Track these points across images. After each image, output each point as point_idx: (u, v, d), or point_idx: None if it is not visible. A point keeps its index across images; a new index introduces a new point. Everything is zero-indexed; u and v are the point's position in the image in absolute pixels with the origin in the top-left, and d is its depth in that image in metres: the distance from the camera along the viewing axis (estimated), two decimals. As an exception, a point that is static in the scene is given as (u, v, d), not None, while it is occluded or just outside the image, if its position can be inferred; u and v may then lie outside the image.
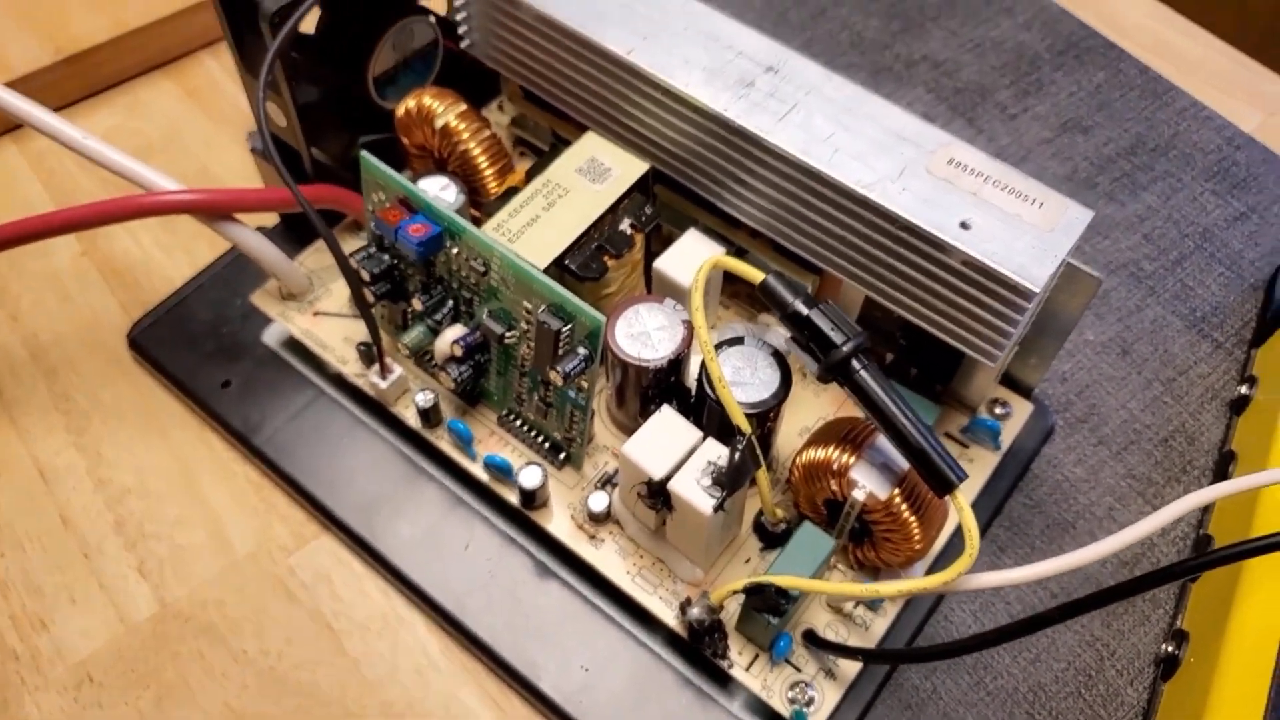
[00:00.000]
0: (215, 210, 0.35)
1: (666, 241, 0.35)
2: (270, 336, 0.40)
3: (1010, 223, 0.29)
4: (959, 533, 0.33)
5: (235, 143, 0.47)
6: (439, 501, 0.36)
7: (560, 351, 0.31)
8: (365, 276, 0.33)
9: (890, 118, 0.32)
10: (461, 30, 0.38)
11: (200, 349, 0.40)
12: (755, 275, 0.30)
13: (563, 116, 0.38)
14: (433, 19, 0.39)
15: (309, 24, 0.37)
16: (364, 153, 0.32)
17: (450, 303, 0.33)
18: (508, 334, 0.32)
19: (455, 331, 0.33)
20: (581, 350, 0.30)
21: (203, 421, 0.39)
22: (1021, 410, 0.37)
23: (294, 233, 0.41)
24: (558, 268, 0.33)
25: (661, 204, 0.38)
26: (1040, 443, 0.38)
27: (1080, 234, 0.29)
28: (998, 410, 0.36)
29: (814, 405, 0.36)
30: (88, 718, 0.33)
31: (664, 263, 0.34)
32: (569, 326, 0.30)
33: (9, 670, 0.34)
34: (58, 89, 0.47)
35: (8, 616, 0.35)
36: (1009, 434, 0.36)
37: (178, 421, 0.39)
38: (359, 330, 0.38)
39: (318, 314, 0.38)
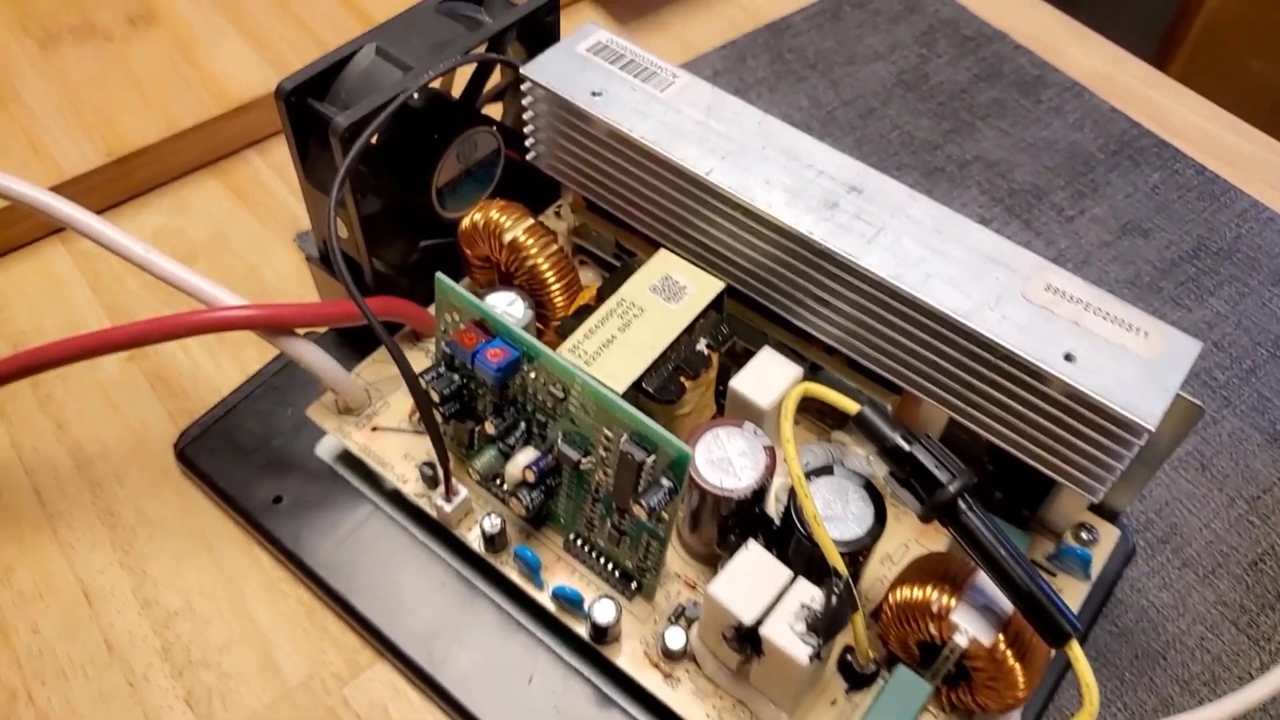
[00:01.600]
0: (278, 327, 0.34)
1: (735, 356, 0.34)
2: (324, 450, 0.38)
3: (1116, 354, 0.28)
4: (1053, 666, 0.31)
5: (283, 243, 0.46)
6: (501, 629, 0.34)
7: (642, 483, 0.29)
8: (435, 397, 0.32)
9: (979, 239, 0.31)
10: (529, 143, 0.37)
11: (251, 462, 0.39)
12: (849, 406, 0.29)
13: (627, 228, 0.37)
14: (495, 128, 0.38)
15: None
16: (440, 276, 0.32)
17: (523, 425, 0.32)
18: (584, 460, 0.31)
19: (527, 455, 0.32)
20: (665, 482, 0.29)
21: (252, 538, 0.38)
22: (1108, 536, 0.35)
23: (348, 341, 0.40)
24: (635, 390, 0.31)
25: (730, 316, 0.37)
26: (1123, 565, 0.37)
27: (1190, 366, 0.28)
28: (1084, 535, 0.35)
29: (895, 529, 0.35)
30: None
31: (741, 383, 0.33)
32: (652, 457, 0.29)
33: (50, 815, 0.32)
34: (104, 190, 0.46)
35: (49, 755, 0.33)
36: (1098, 559, 0.35)
37: (226, 538, 0.38)
38: (418, 446, 0.36)
39: (376, 429, 0.37)
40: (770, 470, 0.31)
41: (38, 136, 0.46)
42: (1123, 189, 0.50)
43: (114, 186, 0.46)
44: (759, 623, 0.28)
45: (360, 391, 0.37)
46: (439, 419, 0.33)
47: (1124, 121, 0.53)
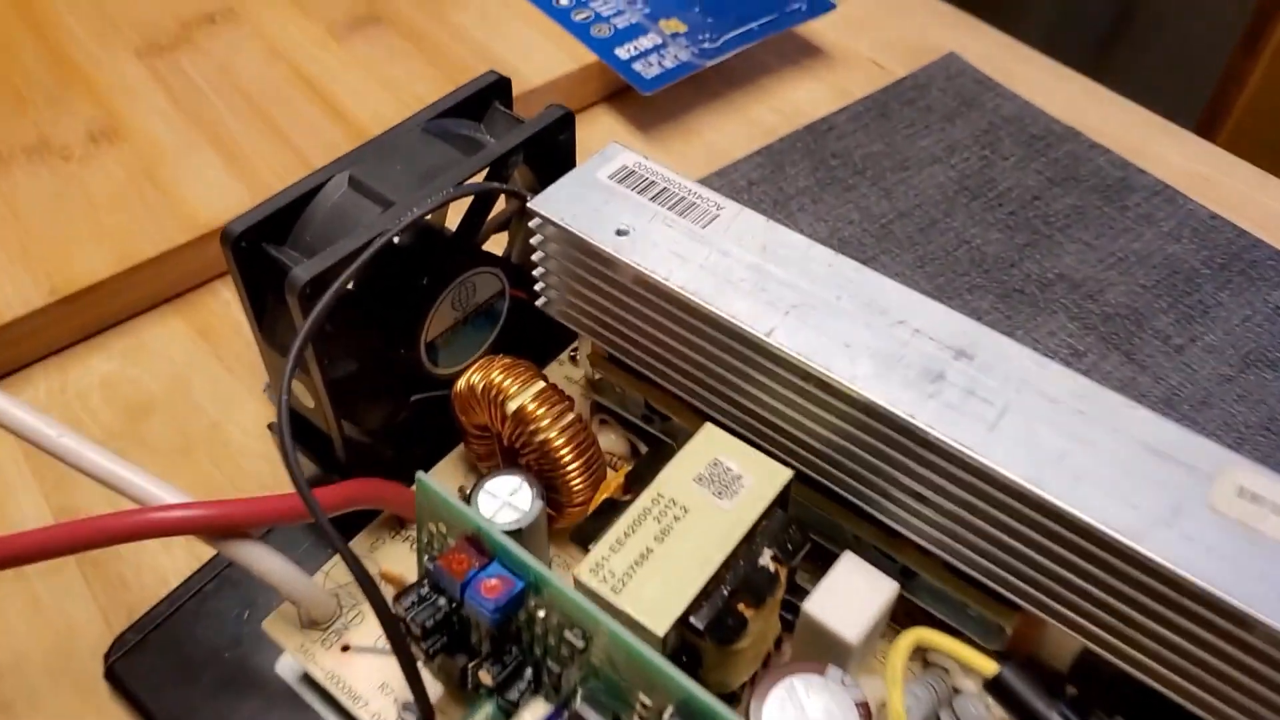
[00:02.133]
0: (220, 531, 0.27)
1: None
2: (287, 668, 0.31)
3: (1350, 593, 0.20)
4: None
5: (252, 394, 0.39)
6: None
7: (695, 768, 0.21)
8: (415, 629, 0.24)
9: (1135, 421, 0.23)
10: (538, 287, 0.30)
11: (197, 682, 0.31)
12: (985, 666, 0.21)
13: (660, 387, 0.30)
14: (499, 268, 0.32)
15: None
16: (421, 477, 0.24)
17: (529, 671, 0.24)
18: (614, 726, 0.23)
19: (534, 713, 0.24)
20: (726, 771, 0.21)
21: (193, 785, 0.30)
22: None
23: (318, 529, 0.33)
24: (680, 626, 0.24)
25: (793, 502, 0.29)
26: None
27: None
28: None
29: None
30: None
31: (819, 607, 0.25)
32: (709, 738, 0.21)
33: None
34: (47, 333, 0.40)
35: None
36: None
37: (161, 784, 0.30)
38: (380, 674, 0.29)
39: (348, 649, 0.29)
40: (865, 737, 0.23)
41: (-30, 274, 0.40)
42: (1238, 311, 0.43)
43: (59, 328, 0.40)
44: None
45: (327, 601, 0.29)
46: (420, 656, 0.25)
47: (1229, 230, 0.46)
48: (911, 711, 0.26)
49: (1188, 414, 0.39)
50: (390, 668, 0.29)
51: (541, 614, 0.23)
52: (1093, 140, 0.51)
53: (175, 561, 0.35)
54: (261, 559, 0.28)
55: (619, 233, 0.27)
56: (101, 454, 0.27)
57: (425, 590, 0.25)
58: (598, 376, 0.33)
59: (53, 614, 0.34)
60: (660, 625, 0.23)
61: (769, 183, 0.49)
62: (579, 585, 0.24)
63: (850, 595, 0.25)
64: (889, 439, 0.24)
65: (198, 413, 0.39)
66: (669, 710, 0.21)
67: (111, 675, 0.32)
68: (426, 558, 0.24)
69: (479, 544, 0.24)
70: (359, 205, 0.28)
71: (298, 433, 0.32)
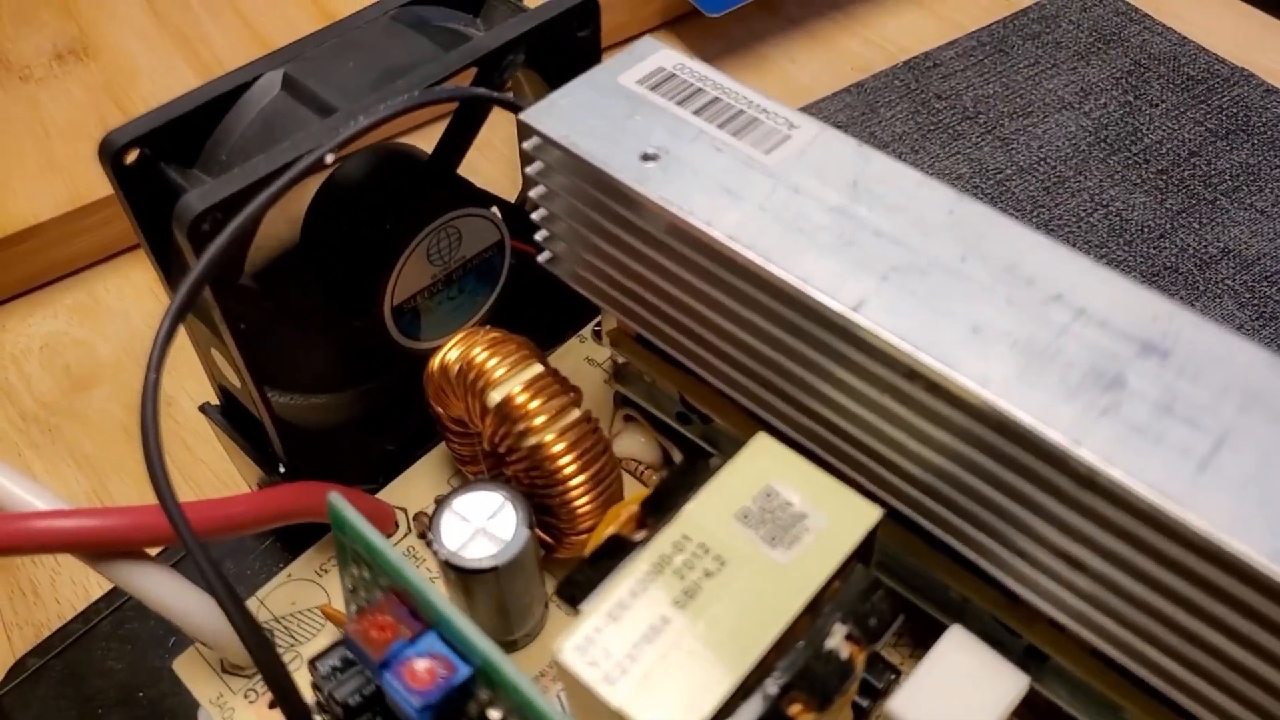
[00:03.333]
0: (98, 549, 0.20)
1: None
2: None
3: None
4: None
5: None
6: None
7: None
8: (336, 708, 0.17)
9: None
10: (540, 236, 0.22)
11: (98, 728, 0.24)
12: None
13: (700, 378, 0.22)
14: (496, 211, 0.24)
15: (284, 222, 0.22)
16: (333, 498, 0.17)
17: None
18: None
19: None
20: None
21: None
22: None
23: (281, 535, 0.26)
24: (706, 737, 0.16)
25: (879, 546, 0.21)
26: None
27: None
28: None
29: None
30: None
31: (909, 708, 0.17)
32: None
33: None
34: (-15, 280, 0.33)
35: None
36: None
37: None
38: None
39: (275, 705, 0.22)
40: None
41: (-105, 208, 0.34)
42: None
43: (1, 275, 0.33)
44: None
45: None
46: (343, 745, 0.18)
47: None
48: None
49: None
50: (326, 737, 0.22)
51: (495, 716, 0.16)
52: (1269, 84, 0.41)
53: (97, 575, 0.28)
54: (156, 587, 0.21)
55: (646, 158, 0.19)
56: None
57: (349, 654, 0.18)
58: (622, 361, 0.25)
59: (-52, 631, 0.27)
60: (674, 739, 0.15)
61: (858, 126, 0.40)
62: (560, 670, 0.16)
63: (959, 692, 0.17)
64: (1032, 473, 0.16)
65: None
66: None
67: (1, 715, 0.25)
68: (345, 631, 0.17)
69: (409, 603, 0.16)
70: (293, 113, 0.20)
71: (238, 420, 0.25)
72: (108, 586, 0.27)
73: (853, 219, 0.18)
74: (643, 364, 0.24)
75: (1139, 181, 0.38)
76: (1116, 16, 0.44)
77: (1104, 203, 0.37)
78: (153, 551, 0.21)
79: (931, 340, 0.16)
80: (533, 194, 0.21)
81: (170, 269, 0.21)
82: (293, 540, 0.26)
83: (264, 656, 0.17)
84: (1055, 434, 0.15)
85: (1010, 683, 0.18)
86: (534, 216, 0.22)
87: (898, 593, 0.20)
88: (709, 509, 0.18)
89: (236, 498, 0.21)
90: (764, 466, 0.19)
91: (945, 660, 0.18)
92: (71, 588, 0.28)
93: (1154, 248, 0.36)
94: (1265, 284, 0.34)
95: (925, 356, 0.16)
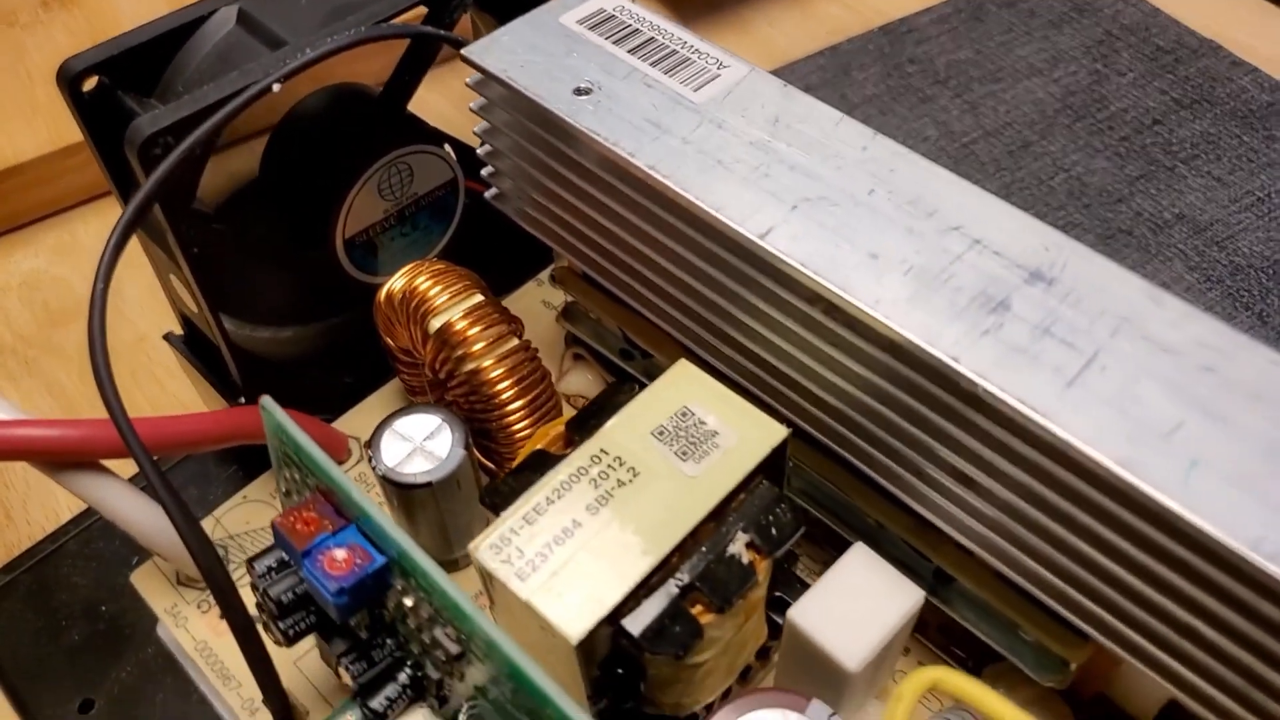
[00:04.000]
0: (55, 459, 0.21)
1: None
2: (169, 632, 0.25)
3: None
4: None
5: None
6: None
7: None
8: (270, 605, 0.18)
9: (1292, 388, 0.15)
10: (487, 173, 0.23)
11: (62, 639, 0.26)
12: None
13: (644, 318, 0.23)
14: (449, 149, 0.25)
15: (249, 156, 0.23)
16: (265, 402, 0.18)
17: (406, 674, 0.18)
18: (503, 762, 0.16)
19: (412, 730, 0.18)
20: None
21: (45, 764, 0.24)
22: None
23: (240, 459, 0.27)
24: (608, 630, 0.17)
25: (797, 469, 0.22)
26: None
27: None
28: None
29: None
30: None
31: (807, 614, 0.18)
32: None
33: None
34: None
35: None
36: None
37: (10, 760, 0.25)
38: (293, 652, 0.23)
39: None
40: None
41: (-120, 144, 0.35)
42: None
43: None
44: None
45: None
46: (279, 638, 0.19)
47: (1402, 170, 0.37)
48: (930, 772, 0.19)
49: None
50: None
51: (409, 603, 0.17)
52: (1236, 57, 0.41)
53: (71, 496, 0.29)
54: (111, 497, 0.22)
55: (579, 92, 0.20)
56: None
57: (285, 556, 0.19)
58: (569, 300, 0.26)
59: (-75, 545, 0.29)
60: (576, 628, 0.16)
61: (830, 88, 0.41)
62: (476, 567, 0.18)
63: (857, 603, 0.18)
64: (924, 393, 0.17)
65: (125, 323, 0.33)
66: (558, 756, 0.15)
67: (-32, 622, 0.26)
68: (273, 523, 0.18)
69: (335, 501, 0.17)
70: (246, 46, 0.21)
71: (199, 349, 0.26)
72: (76, 511, 0.28)
73: (770, 153, 0.19)
74: (588, 302, 0.25)
75: (1101, 147, 0.38)
76: (1091, -14, 0.45)
77: (1065, 167, 0.38)
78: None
79: (831, 265, 0.17)
80: (477, 130, 0.22)
81: (127, 193, 0.22)
82: (255, 467, 0.27)
83: (205, 556, 0.18)
84: (938, 351, 0.16)
85: (906, 596, 0.19)
86: (480, 152, 0.23)
87: (804, 512, 0.21)
88: (627, 426, 0.19)
89: (186, 415, 0.22)
90: (683, 389, 0.20)
91: (846, 574, 0.19)
92: (41, 510, 0.29)
93: (1111, 211, 0.36)
94: (1215, 248, 0.35)
95: (824, 280, 0.17)
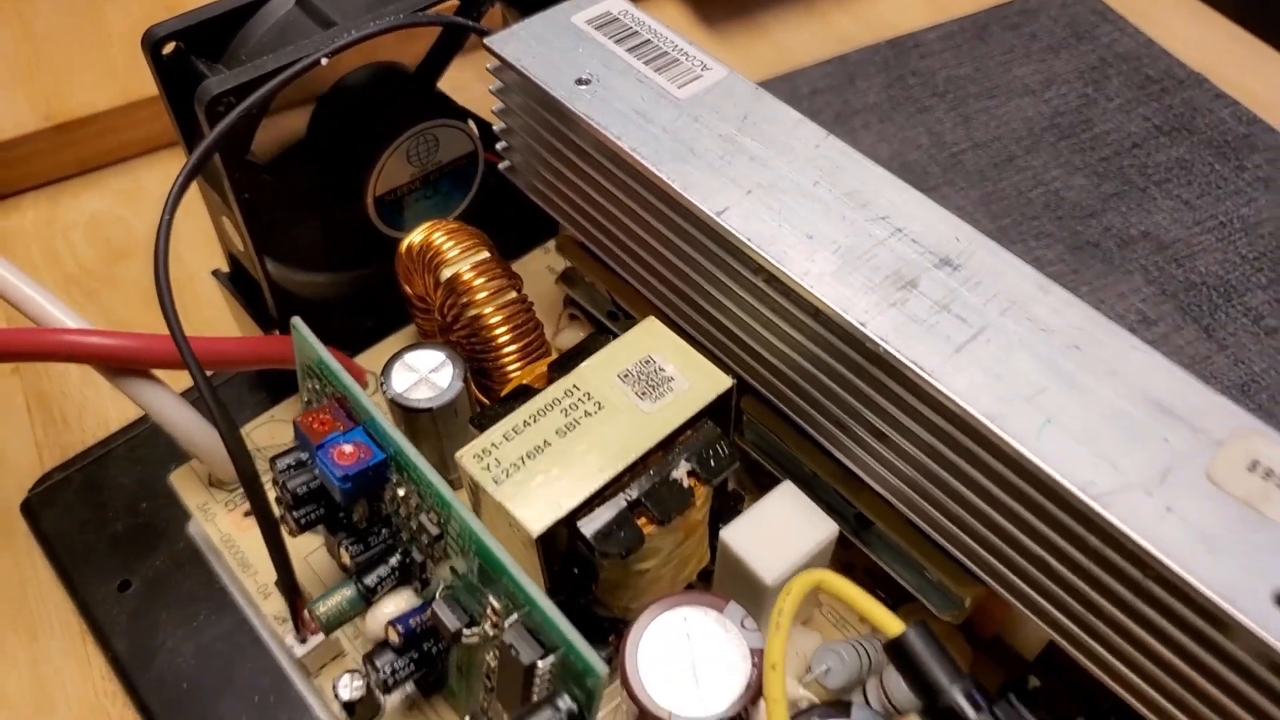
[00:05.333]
0: (118, 364, 0.25)
1: (762, 487, 0.23)
2: (199, 529, 0.29)
3: (1375, 611, 0.16)
4: None
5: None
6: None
7: (535, 694, 0.18)
8: (287, 496, 0.22)
9: (1144, 369, 0.19)
10: (501, 147, 0.27)
11: (106, 528, 0.29)
12: (888, 624, 0.17)
13: (628, 283, 0.26)
14: (473, 125, 0.28)
15: (299, 119, 0.27)
16: (296, 322, 0.21)
17: (397, 558, 0.22)
18: (467, 631, 0.20)
19: (397, 604, 0.21)
20: (565, 702, 0.18)
21: (86, 632, 0.28)
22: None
23: (267, 385, 0.31)
24: (564, 532, 0.20)
25: (750, 424, 0.25)
26: None
27: None
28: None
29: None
30: None
31: (736, 536, 0.22)
32: (549, 660, 0.18)
33: None
34: (43, 160, 0.38)
35: None
36: None
37: (59, 625, 0.29)
38: (304, 543, 0.26)
39: (249, 514, 0.27)
40: (758, 692, 0.19)
41: (-28, 88, 0.39)
42: (1352, 298, 0.36)
43: (52, 158, 0.38)
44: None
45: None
46: (292, 528, 0.22)
47: (1361, 206, 0.39)
48: (832, 674, 0.22)
49: (1265, 405, 0.34)
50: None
51: (402, 492, 0.20)
52: (1220, 90, 0.44)
53: (121, 409, 0.33)
54: (161, 403, 0.26)
55: (580, 82, 0.23)
56: (9, 270, 0.26)
57: (304, 456, 0.22)
58: (568, 265, 0.29)
59: (-8, 444, 0.32)
60: (537, 524, 0.20)
61: (834, 93, 0.44)
62: (461, 470, 0.21)
63: (778, 530, 0.22)
64: (842, 354, 0.20)
65: (177, 262, 0.37)
66: (512, 618, 0.18)
67: (27, 510, 0.30)
68: (295, 422, 0.22)
69: (347, 407, 0.21)
70: (302, 25, 0.25)
71: (243, 286, 0.30)
72: (124, 422, 0.32)
73: (735, 145, 0.22)
74: (583, 268, 0.28)
75: (1081, 165, 0.41)
76: (1092, 15, 0.47)
77: (1045, 181, 0.41)
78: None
79: (772, 242, 0.21)
80: (495, 109, 0.26)
81: (192, 144, 0.26)
82: (280, 393, 0.30)
83: (239, 451, 0.22)
84: (850, 317, 0.19)
85: (822, 528, 0.22)
86: (496, 129, 0.26)
87: (763, 463, 0.24)
88: (598, 368, 0.23)
89: (230, 337, 0.25)
90: (648, 341, 0.23)
91: (773, 505, 0.22)
92: (94, 420, 0.33)
93: (1082, 224, 0.39)
94: (1174, 265, 0.38)
95: (765, 254, 0.20)
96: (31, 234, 0.38)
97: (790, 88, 0.44)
